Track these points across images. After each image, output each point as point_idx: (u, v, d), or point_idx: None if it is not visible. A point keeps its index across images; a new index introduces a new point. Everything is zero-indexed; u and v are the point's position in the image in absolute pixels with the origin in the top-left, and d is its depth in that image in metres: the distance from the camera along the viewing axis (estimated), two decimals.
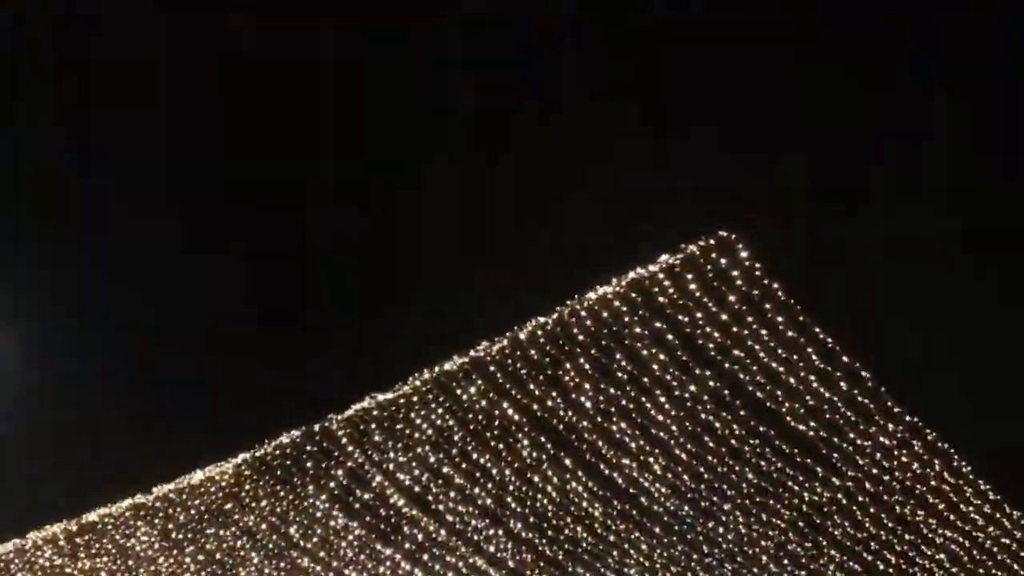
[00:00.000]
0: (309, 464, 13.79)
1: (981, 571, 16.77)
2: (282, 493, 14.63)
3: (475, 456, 13.53)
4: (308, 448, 13.52)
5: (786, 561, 16.47)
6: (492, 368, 11.93)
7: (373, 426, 13.00)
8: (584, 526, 15.18)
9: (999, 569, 16.64)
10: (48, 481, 17.96)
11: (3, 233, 15.57)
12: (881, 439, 13.56)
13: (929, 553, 16.09)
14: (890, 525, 15.43)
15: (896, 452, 13.83)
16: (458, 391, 12.35)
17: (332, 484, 14.24)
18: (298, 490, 14.50)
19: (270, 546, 15.79)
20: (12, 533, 15.87)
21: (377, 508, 14.61)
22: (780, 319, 11.52)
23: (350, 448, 13.38)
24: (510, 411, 12.71)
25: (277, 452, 13.70)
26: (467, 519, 14.74)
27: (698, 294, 11.19)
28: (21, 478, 18.28)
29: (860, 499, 14.91)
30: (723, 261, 10.80)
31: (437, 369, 12.06)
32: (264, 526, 15.38)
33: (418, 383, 12.23)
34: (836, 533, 15.55)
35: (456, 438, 13.21)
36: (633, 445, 13.44)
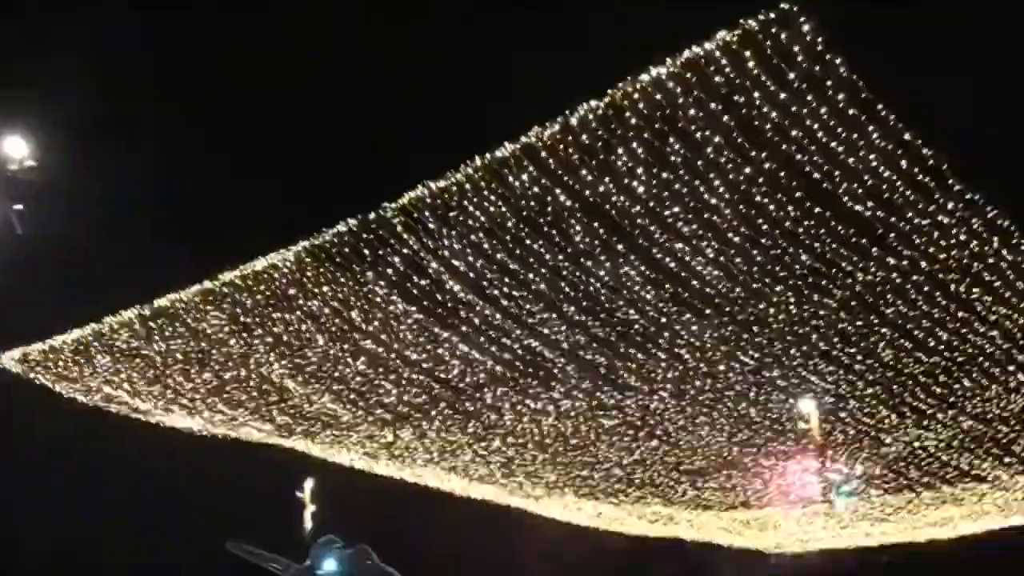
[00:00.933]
0: (367, 252, 14.04)
1: None
2: (342, 279, 15.02)
3: (528, 242, 13.64)
4: (365, 236, 13.71)
5: (836, 339, 16.74)
6: (543, 154, 11.78)
7: (427, 214, 13.08)
8: (636, 309, 15.48)
9: None
10: (121, 272, 18.72)
11: None
12: (940, 218, 13.36)
13: (982, 330, 16.21)
14: (943, 303, 15.48)
15: (954, 230, 13.65)
16: (510, 178, 12.28)
17: (390, 271, 14.56)
18: (358, 276, 14.86)
19: (333, 329, 16.42)
20: (90, 319, 16.62)
21: (434, 294, 15.00)
22: (841, 97, 11.10)
23: (405, 236, 13.55)
24: (562, 197, 12.67)
25: (335, 240, 13.92)
26: (521, 303, 15.10)
27: (756, 72, 10.76)
28: (96, 270, 19.08)
29: (915, 278, 14.90)
30: (783, 36, 10.29)
31: (488, 156, 11.94)
32: (327, 310, 15.92)
33: (469, 171, 12.16)
34: (888, 312, 15.67)
35: (509, 224, 13.28)
36: (686, 229, 13.42)
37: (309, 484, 43.74)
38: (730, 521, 28.65)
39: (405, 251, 14.01)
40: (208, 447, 21.78)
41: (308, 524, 43.91)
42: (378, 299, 15.41)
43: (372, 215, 13.25)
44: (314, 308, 15.83)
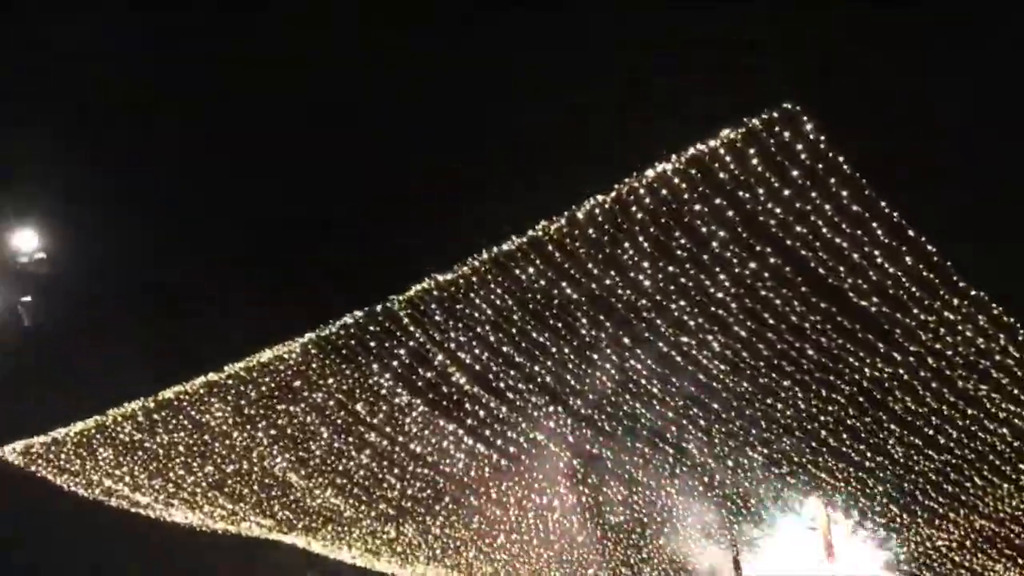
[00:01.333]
0: (372, 344, 14.07)
1: None
2: (348, 371, 15.01)
3: (534, 335, 13.66)
4: (371, 328, 13.76)
5: (845, 435, 16.57)
6: (550, 247, 11.89)
7: (433, 306, 13.15)
8: (643, 402, 15.39)
9: None
10: (126, 363, 18.71)
11: None
12: (945, 314, 13.36)
13: (991, 427, 16.03)
14: (952, 400, 15.35)
15: (960, 327, 13.63)
16: (516, 271, 12.37)
17: (395, 363, 14.56)
18: (363, 368, 14.86)
19: (338, 422, 16.32)
20: (93, 411, 16.56)
21: (439, 386, 14.96)
22: (845, 193, 11.25)
23: (411, 328, 13.59)
24: (568, 290, 12.74)
25: (341, 332, 13.96)
26: (527, 396, 15.03)
27: (760, 169, 10.94)
28: (101, 361, 19.08)
29: (922, 374, 14.81)
30: (786, 135, 10.49)
31: (495, 249, 12.05)
32: (332, 403, 15.87)
33: (476, 263, 12.26)
34: (896, 408, 15.54)
35: (515, 317, 13.33)
36: (692, 323, 13.44)
37: None
38: None
39: (411, 343, 14.05)
40: (207, 543, 21.44)
41: None
42: (383, 391, 15.36)
43: (379, 307, 13.31)
44: (319, 400, 15.78)
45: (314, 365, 15.00)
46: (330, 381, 15.29)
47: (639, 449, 16.94)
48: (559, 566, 22.28)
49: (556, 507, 19.28)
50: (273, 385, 15.51)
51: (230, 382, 15.38)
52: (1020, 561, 21.05)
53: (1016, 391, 14.97)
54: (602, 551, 21.63)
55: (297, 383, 15.34)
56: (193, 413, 16.29)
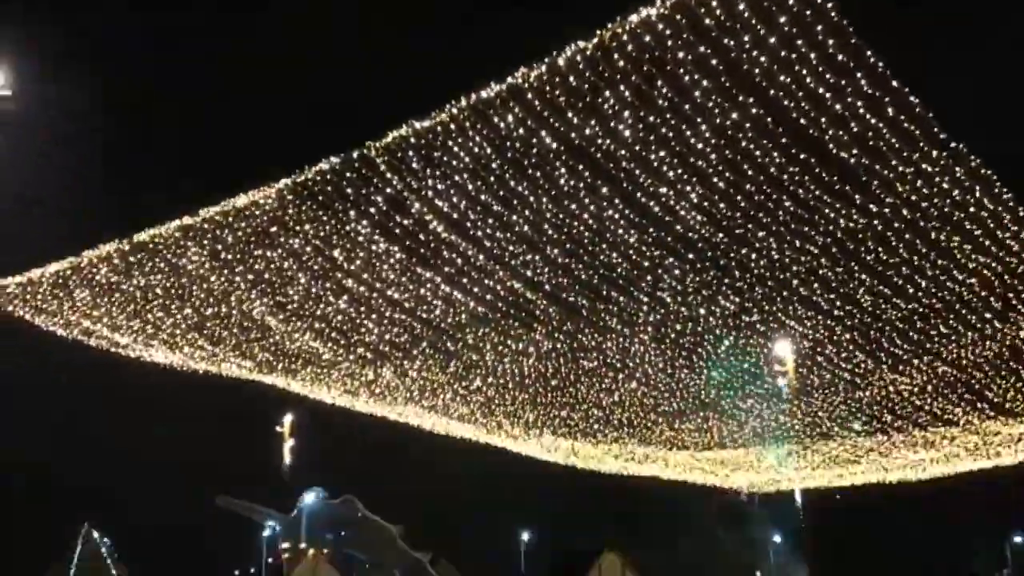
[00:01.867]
0: (349, 190, 13.92)
1: (1011, 295, 17.11)
2: (324, 218, 14.91)
3: (513, 184, 13.57)
4: (348, 175, 13.58)
5: (816, 285, 16.85)
6: (530, 95, 11.64)
7: (411, 153, 12.95)
8: (619, 252, 15.50)
9: None
10: (102, 204, 18.51)
11: None
12: (923, 166, 13.37)
13: (960, 278, 16.34)
14: (923, 250, 15.57)
15: (937, 179, 13.68)
16: (495, 119, 12.15)
17: (372, 210, 14.46)
18: (340, 215, 14.75)
19: (315, 268, 16.36)
20: (68, 251, 16.44)
21: (417, 233, 14.94)
22: (831, 42, 11.01)
23: (389, 175, 13.43)
24: (548, 139, 12.57)
25: (318, 178, 13.77)
26: (505, 245, 15.08)
27: (747, 15, 10.64)
28: (77, 200, 18.85)
29: (896, 225, 14.96)
30: None
31: (474, 96, 11.79)
32: (309, 249, 15.84)
33: (455, 110, 12.01)
34: (868, 259, 15.76)
35: (494, 166, 13.19)
36: (671, 174, 13.38)
37: (288, 419, 44.18)
38: (705, 461, 29.17)
39: (388, 191, 13.90)
40: (188, 382, 21.84)
41: (287, 458, 44.44)
42: (360, 238, 15.33)
43: (355, 153, 13.09)
44: (296, 246, 15.74)
45: (290, 211, 14.87)
46: (307, 227, 15.21)
47: (614, 298, 17.18)
48: (533, 408, 23.00)
49: (532, 352, 19.70)
50: (249, 230, 15.40)
51: (206, 226, 15.25)
52: (979, 405, 21.97)
53: (987, 242, 15.21)
54: (575, 394, 22.29)
55: (274, 229, 15.25)
56: (169, 257, 16.22)
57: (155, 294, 17.54)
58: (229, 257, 16.20)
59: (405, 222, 14.76)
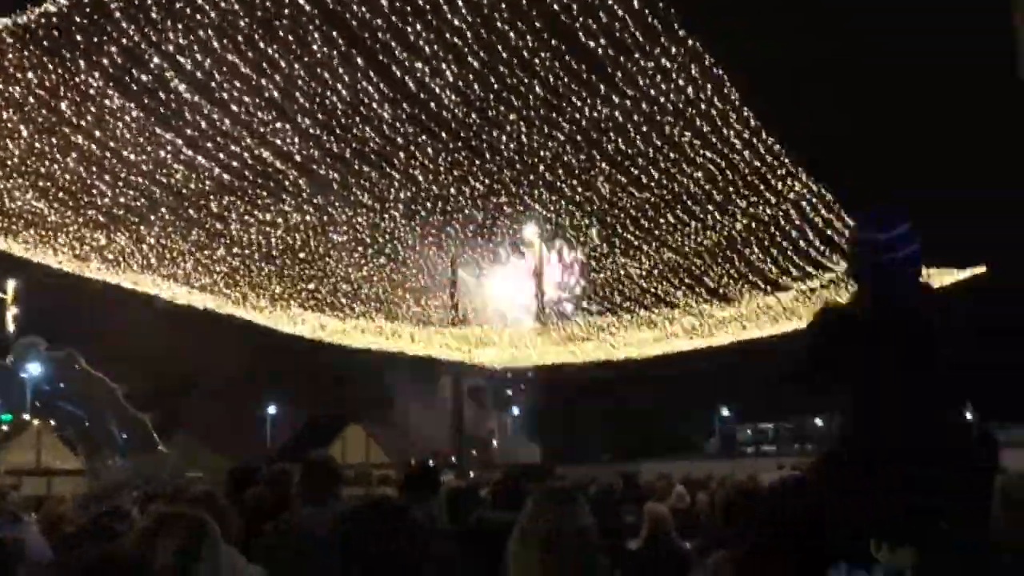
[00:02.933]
0: (79, 37, 12.75)
1: (731, 189, 18.71)
2: (50, 66, 13.61)
3: (262, 46, 12.98)
4: (77, 20, 12.41)
5: (560, 171, 17.62)
6: None
7: (150, 2, 12.02)
8: (373, 127, 15.37)
9: (747, 188, 18.61)
10: None
11: None
12: (663, 61, 14.15)
13: (688, 171, 17.64)
14: (658, 144, 16.63)
15: (674, 75, 14.54)
16: None
17: (106, 61, 13.35)
18: (68, 65, 13.52)
19: (40, 120, 14.99)
20: None
21: (156, 91, 14.00)
22: None
23: (124, 24, 12.41)
24: (301, 1, 12.10)
25: (43, 20, 12.49)
26: (253, 111, 14.48)
27: None
28: None
29: (635, 118, 15.84)
30: None
31: None
32: (32, 99, 14.45)
33: None
34: (608, 148, 16.63)
35: (242, 24, 12.53)
36: (427, 49, 13.33)
37: (11, 284, 40.93)
38: (450, 337, 30.14)
39: (124, 41, 12.86)
40: None
41: (10, 326, 41.36)
42: (92, 92, 14.16)
43: None
44: (16, 95, 14.30)
45: (11, 56, 13.44)
46: (29, 75, 13.83)
47: (367, 173, 17.09)
48: (279, 280, 22.65)
49: (280, 224, 19.30)
50: None
51: None
52: (697, 289, 24.06)
53: (714, 139, 16.45)
54: (323, 268, 22.17)
55: None
56: None
57: None
58: None
59: (143, 77, 13.78)
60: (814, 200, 19.00)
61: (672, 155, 16.83)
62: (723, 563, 3.80)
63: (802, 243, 20.55)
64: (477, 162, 17.36)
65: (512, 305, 27.06)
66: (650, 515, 6.11)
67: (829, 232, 20.08)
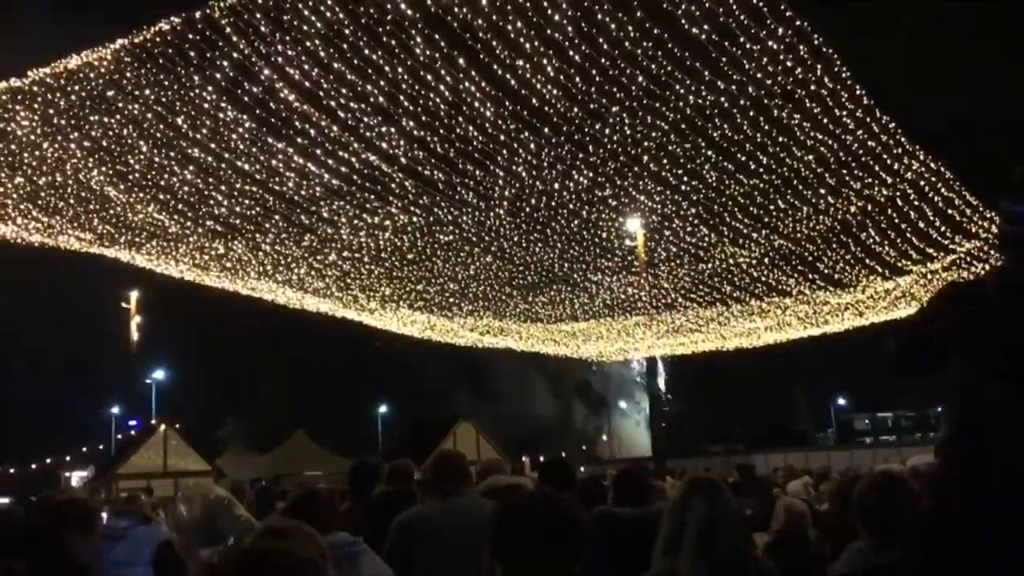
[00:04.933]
0: (193, 54, 13.18)
1: (844, 171, 18.10)
2: (166, 83, 14.13)
3: (367, 52, 13.18)
4: (190, 36, 12.83)
5: (665, 160, 17.34)
6: None
7: (258, 16, 12.33)
8: (475, 125, 15.43)
9: (861, 170, 17.97)
10: None
11: None
12: (769, 43, 13.77)
13: (799, 155, 17.15)
14: (766, 128, 16.20)
15: (782, 56, 14.13)
16: None
17: (219, 76, 13.78)
18: (183, 80, 14.00)
19: (158, 136, 15.58)
20: None
21: (267, 102, 14.38)
22: None
23: (235, 39, 12.78)
24: (403, 6, 12.22)
25: (157, 39, 12.95)
26: (359, 116, 14.73)
27: None
28: None
29: (742, 103, 15.47)
30: None
31: None
32: (150, 115, 15.03)
33: None
34: (715, 135, 16.29)
35: (347, 32, 12.75)
36: (527, 46, 13.30)
37: (135, 295, 42.69)
38: (556, 333, 30.12)
39: (235, 55, 13.24)
40: (23, 255, 20.75)
41: (134, 335, 43.17)
42: (206, 106, 14.64)
43: (198, 14, 12.36)
44: (136, 112, 14.89)
45: (129, 75, 13.99)
46: (147, 92, 14.38)
47: (471, 171, 17.19)
48: (389, 282, 23.03)
49: (388, 226, 19.60)
50: (84, 94, 14.45)
51: (36, 89, 14.21)
52: (810, 276, 23.42)
53: (825, 120, 15.94)
54: (431, 268, 22.42)
55: (111, 93, 14.35)
56: None
57: None
58: (62, 123, 15.21)
59: (254, 89, 14.17)
60: (933, 179, 18.23)
61: (781, 139, 16.38)
62: None
63: (921, 224, 19.78)
64: (580, 155, 17.26)
65: (619, 298, 26.84)
66: (788, 510, 5.90)
67: (950, 211, 19.26)
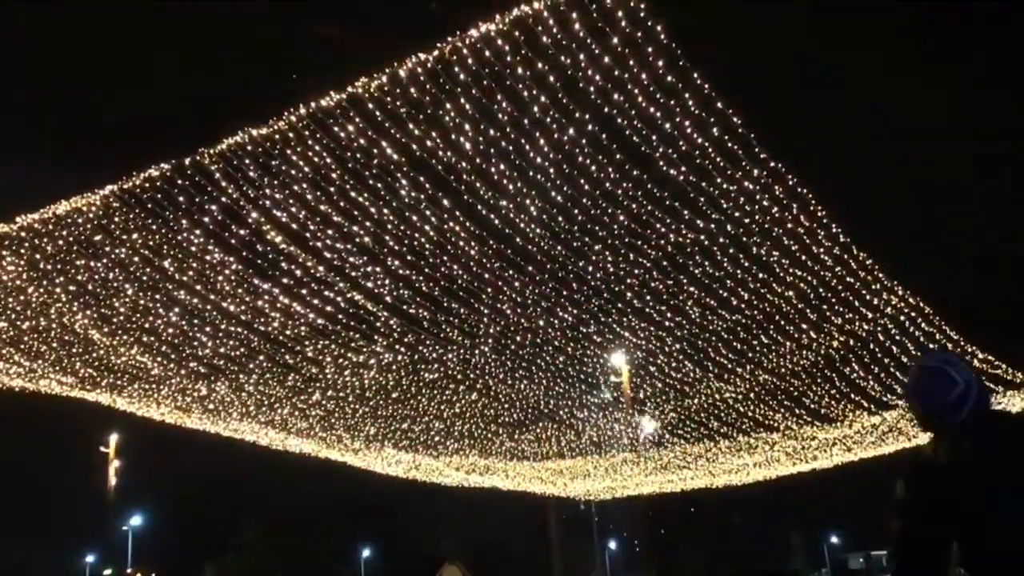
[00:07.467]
0: (181, 198, 13.41)
1: (824, 307, 18.31)
2: (154, 227, 14.31)
3: (353, 195, 13.45)
4: (179, 182, 13.08)
5: (648, 297, 17.53)
6: (371, 105, 11.60)
7: (247, 161, 12.62)
8: (460, 264, 15.64)
9: (841, 305, 18.20)
10: None
11: None
12: (745, 183, 14.15)
13: (779, 290, 17.38)
14: (745, 264, 16.48)
15: (758, 196, 14.51)
16: (335, 128, 12.03)
17: (206, 219, 13.99)
18: (171, 224, 14.20)
19: (144, 279, 15.67)
20: None
21: (254, 244, 14.55)
22: (660, 63, 11.51)
23: (224, 183, 13.04)
24: (389, 150, 12.55)
25: (147, 185, 13.20)
26: (345, 256, 14.92)
27: (581, 34, 10.99)
28: None
29: (721, 240, 15.78)
30: (608, 1, 10.55)
31: (313, 105, 11.64)
32: (137, 259, 15.15)
33: (293, 118, 11.81)
34: (696, 272, 16.54)
35: (334, 176, 13.04)
36: (511, 187, 13.62)
37: (114, 438, 41.93)
38: (543, 471, 29.67)
39: (223, 199, 13.48)
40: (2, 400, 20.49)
41: (112, 479, 42.16)
42: (193, 249, 14.80)
43: (188, 160, 12.65)
44: (122, 256, 15.03)
45: (117, 219, 14.19)
46: (135, 236, 14.55)
47: (455, 309, 17.29)
48: (374, 421, 22.78)
49: (372, 365, 19.54)
50: (71, 239, 14.60)
51: (23, 235, 14.37)
52: (796, 411, 23.34)
53: (803, 257, 16.25)
54: (416, 406, 22.25)
55: (98, 237, 14.51)
56: None
57: None
58: (48, 267, 15.30)
59: (241, 232, 14.36)
60: (913, 314, 18.46)
61: (761, 275, 16.65)
62: None
63: (904, 358, 19.89)
64: (564, 293, 17.44)
65: (606, 435, 26.60)
66: None
67: (931, 345, 19.42)
